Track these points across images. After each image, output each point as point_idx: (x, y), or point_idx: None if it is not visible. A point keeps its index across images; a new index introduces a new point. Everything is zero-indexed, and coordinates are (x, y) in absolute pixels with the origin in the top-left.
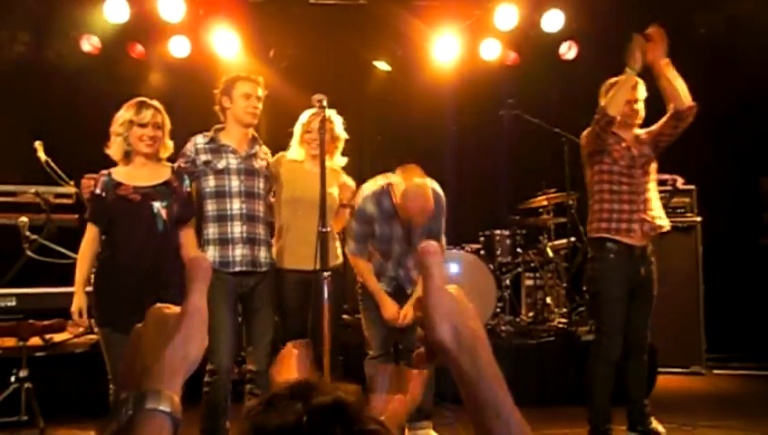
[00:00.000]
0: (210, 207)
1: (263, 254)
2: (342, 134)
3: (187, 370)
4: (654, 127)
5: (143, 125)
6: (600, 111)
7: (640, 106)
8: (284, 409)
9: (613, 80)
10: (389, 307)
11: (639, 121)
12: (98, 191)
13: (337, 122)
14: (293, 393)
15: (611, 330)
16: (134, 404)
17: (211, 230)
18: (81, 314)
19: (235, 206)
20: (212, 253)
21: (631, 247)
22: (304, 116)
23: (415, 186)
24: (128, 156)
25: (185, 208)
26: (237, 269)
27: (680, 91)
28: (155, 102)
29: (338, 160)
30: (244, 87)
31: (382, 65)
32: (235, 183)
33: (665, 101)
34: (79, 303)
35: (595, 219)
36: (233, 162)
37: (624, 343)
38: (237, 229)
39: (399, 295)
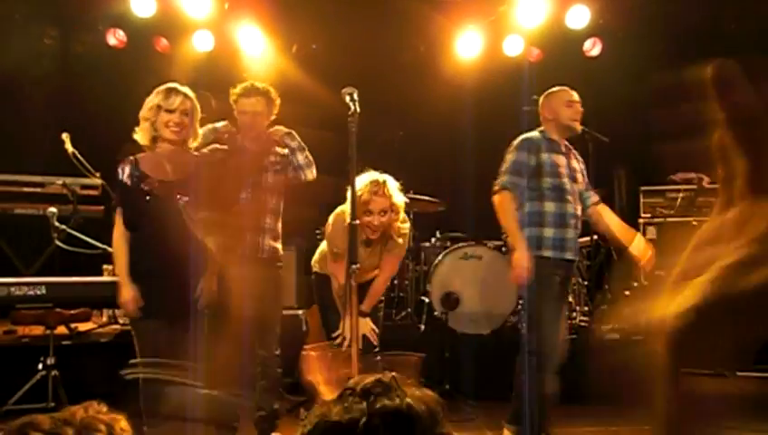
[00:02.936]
0: None
1: (266, 241)
2: (400, 201)
3: None
4: None
5: (170, 111)
6: None
7: None
8: (350, 405)
9: None
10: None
11: None
12: (123, 178)
13: (392, 188)
14: (364, 391)
15: None
16: None
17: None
18: (134, 303)
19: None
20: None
21: None
22: (360, 184)
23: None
24: (154, 141)
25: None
26: None
27: None
28: (185, 89)
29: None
30: (238, 105)
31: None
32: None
33: None
34: (127, 293)
35: None
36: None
37: None
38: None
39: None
